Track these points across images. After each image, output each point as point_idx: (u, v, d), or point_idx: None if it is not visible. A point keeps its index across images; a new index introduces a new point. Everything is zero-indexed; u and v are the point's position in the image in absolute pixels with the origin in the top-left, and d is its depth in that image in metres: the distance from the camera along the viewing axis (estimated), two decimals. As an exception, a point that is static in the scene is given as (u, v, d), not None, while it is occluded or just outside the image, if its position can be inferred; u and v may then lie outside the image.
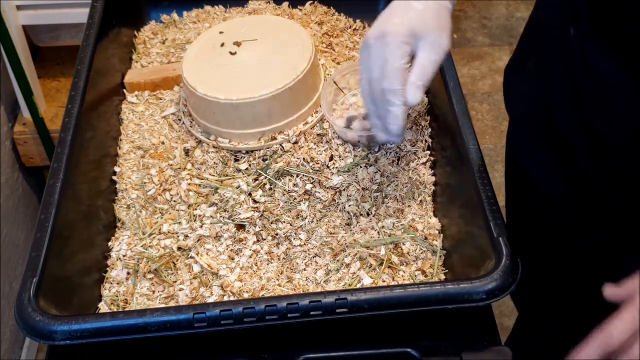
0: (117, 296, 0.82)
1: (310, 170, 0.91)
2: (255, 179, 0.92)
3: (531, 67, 0.84)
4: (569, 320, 1.08)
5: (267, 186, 0.91)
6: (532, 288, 1.04)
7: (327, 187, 0.90)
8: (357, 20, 1.17)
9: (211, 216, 0.89)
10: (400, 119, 0.72)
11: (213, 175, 0.94)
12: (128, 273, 0.84)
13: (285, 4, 1.20)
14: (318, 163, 0.92)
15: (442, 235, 0.85)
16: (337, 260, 0.83)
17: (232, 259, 0.84)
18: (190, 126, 1.00)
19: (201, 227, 0.88)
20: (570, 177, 0.82)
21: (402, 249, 0.83)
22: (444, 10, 0.74)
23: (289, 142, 0.95)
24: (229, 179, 0.93)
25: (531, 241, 0.97)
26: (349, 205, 0.88)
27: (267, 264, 0.84)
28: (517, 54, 0.90)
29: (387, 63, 0.71)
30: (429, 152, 0.94)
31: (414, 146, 0.94)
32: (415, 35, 0.71)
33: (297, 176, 0.91)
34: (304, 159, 0.93)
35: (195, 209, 0.90)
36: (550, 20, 0.78)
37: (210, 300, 0.80)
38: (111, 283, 0.84)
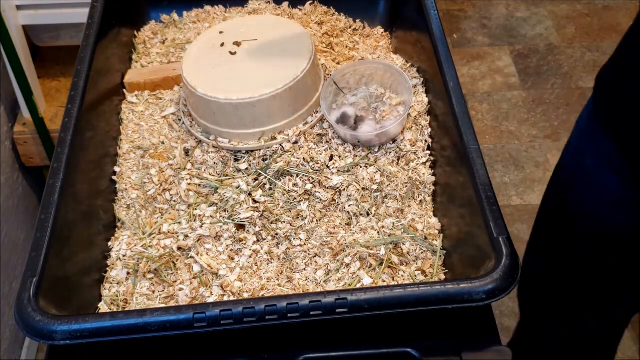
0: (117, 296, 0.82)
1: (310, 170, 0.91)
2: (255, 179, 0.92)
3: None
4: (572, 324, 1.08)
5: (267, 186, 0.91)
6: (549, 294, 1.05)
7: (327, 187, 0.90)
8: (357, 20, 1.17)
9: (211, 216, 0.89)
10: None
11: (213, 175, 0.94)
12: (128, 273, 0.84)
13: (285, 4, 1.20)
14: (318, 163, 0.92)
15: (442, 235, 0.85)
16: (337, 260, 0.83)
17: (232, 259, 0.84)
18: (190, 126, 1.00)
19: (201, 227, 0.88)
20: None
21: (402, 249, 0.83)
22: None
23: (289, 142, 0.95)
24: (229, 179, 0.93)
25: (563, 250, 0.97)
26: (349, 205, 0.88)
27: (267, 264, 0.84)
28: (613, 65, 0.83)
29: None
30: (429, 152, 0.94)
31: (414, 146, 0.94)
32: None
33: (297, 176, 0.91)
34: (304, 159, 0.93)
35: (195, 209, 0.90)
36: None
37: (210, 300, 0.80)
38: (111, 283, 0.84)
